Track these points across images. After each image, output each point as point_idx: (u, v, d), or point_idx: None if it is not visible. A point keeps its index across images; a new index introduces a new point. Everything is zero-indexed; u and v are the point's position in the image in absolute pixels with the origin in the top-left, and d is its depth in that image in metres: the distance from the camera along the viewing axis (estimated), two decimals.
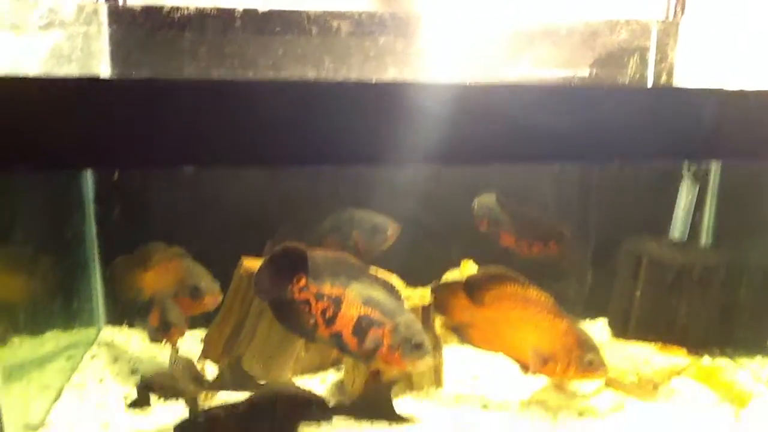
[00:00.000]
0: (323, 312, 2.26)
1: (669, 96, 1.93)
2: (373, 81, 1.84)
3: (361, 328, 2.22)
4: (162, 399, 2.38)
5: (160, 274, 2.87)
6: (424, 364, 2.23)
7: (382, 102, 1.86)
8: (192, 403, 2.33)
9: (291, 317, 2.29)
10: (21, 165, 1.83)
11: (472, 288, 2.48)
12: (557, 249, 3.04)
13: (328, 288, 2.27)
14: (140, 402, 2.38)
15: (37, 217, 2.78)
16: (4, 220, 2.44)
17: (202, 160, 1.93)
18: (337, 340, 2.26)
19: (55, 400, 2.61)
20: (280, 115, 1.84)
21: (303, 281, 2.29)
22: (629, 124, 1.96)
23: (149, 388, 2.38)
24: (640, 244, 3.08)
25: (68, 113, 1.82)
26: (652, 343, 2.73)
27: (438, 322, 2.72)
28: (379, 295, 2.28)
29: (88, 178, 3.11)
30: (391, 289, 2.32)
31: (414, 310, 2.55)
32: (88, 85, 1.72)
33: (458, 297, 2.51)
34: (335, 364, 2.87)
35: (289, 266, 2.30)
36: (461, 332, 2.54)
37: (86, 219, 3.14)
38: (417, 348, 2.19)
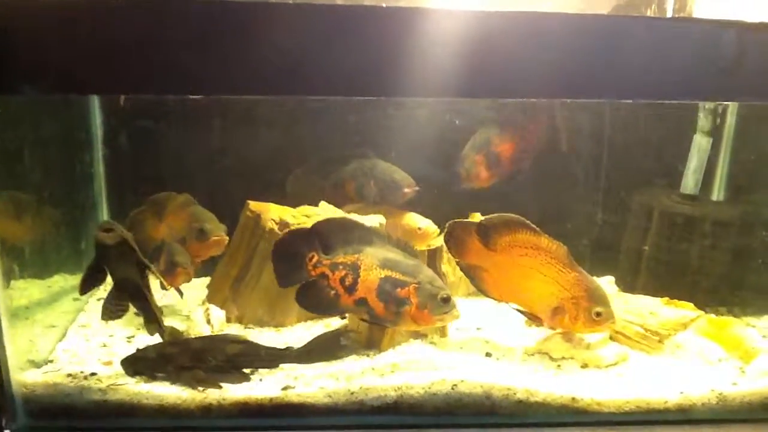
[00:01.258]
0: (342, 280, 2.26)
1: (687, 27, 1.88)
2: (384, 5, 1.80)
3: (385, 290, 2.23)
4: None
5: (170, 223, 2.89)
6: (453, 317, 2.24)
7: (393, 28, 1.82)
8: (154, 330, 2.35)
9: (312, 296, 2.30)
10: (27, 87, 1.82)
11: (485, 232, 2.46)
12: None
13: (341, 257, 2.28)
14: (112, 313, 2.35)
15: (45, 158, 2.76)
16: (12, 159, 2.43)
17: (210, 88, 1.92)
18: (363, 306, 2.26)
19: (61, 339, 2.62)
20: (293, 39, 1.80)
21: (315, 257, 2.29)
22: (644, 58, 1.92)
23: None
24: (652, 197, 3.03)
25: (76, 35, 1.80)
26: (660, 297, 2.69)
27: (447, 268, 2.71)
28: (395, 255, 2.28)
29: (97, 118, 3.08)
30: (405, 246, 2.31)
31: (420, 254, 2.53)
32: (96, 5, 1.69)
33: (471, 238, 2.49)
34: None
35: (297, 248, 2.30)
36: (472, 274, 2.53)
37: (94, 160, 3.12)
38: (445, 302, 2.21)
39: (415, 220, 2.86)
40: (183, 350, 2.29)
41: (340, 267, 2.27)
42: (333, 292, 2.28)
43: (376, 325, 2.36)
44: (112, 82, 1.90)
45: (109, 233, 2.18)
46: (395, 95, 1.99)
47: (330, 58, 1.87)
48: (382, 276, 2.23)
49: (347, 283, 2.26)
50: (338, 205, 2.87)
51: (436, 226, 2.79)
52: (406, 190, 2.87)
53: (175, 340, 2.39)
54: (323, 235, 2.31)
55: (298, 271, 2.31)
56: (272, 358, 2.32)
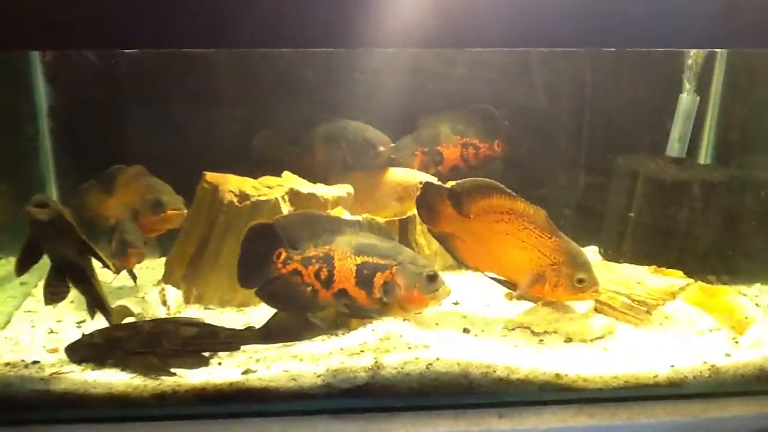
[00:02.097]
0: (317, 275, 2.13)
1: None
2: None
3: (364, 276, 2.10)
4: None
5: (121, 197, 2.71)
6: (445, 293, 2.12)
7: None
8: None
9: (286, 295, 2.16)
10: None
11: (457, 197, 2.33)
12: (502, 147, 3.01)
13: (312, 251, 2.14)
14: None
15: None
16: None
17: (158, 41, 1.77)
18: (343, 297, 2.14)
19: (4, 326, 2.45)
20: None
21: (283, 254, 2.15)
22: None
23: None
24: (635, 161, 2.91)
25: None
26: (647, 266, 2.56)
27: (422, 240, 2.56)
28: (368, 239, 2.15)
29: (42, 89, 2.87)
30: (378, 229, 2.19)
31: (391, 224, 2.40)
32: None
33: (443, 204, 2.36)
34: None
35: (262, 246, 2.16)
36: (445, 242, 2.42)
37: (40, 134, 2.92)
38: (433, 280, 2.09)
39: (413, 175, 2.75)
40: (133, 335, 2.12)
41: (313, 260, 2.14)
42: (309, 288, 2.15)
43: (361, 317, 2.24)
44: (37, 36, 1.73)
45: (42, 209, 1.98)
46: (365, 46, 1.84)
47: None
48: (359, 262, 2.12)
49: (323, 277, 2.14)
50: (305, 173, 2.71)
51: (435, 179, 2.68)
52: (382, 149, 2.72)
53: (124, 325, 2.20)
54: (288, 230, 2.18)
55: (263, 270, 2.17)
56: (232, 340, 2.16)
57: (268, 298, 2.19)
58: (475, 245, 2.36)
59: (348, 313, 2.21)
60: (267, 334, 2.18)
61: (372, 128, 2.79)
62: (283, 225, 2.19)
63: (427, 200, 2.40)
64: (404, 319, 2.42)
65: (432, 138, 2.99)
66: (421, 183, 2.58)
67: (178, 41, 1.80)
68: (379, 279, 2.11)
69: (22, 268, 2.11)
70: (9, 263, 2.83)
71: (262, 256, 2.17)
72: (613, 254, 2.95)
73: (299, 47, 1.87)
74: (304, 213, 2.30)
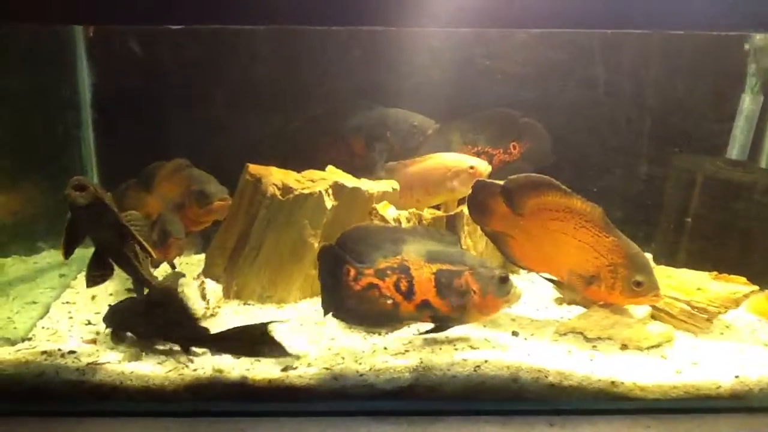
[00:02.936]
0: (397, 286, 2.05)
1: None
2: None
3: (443, 285, 2.03)
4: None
5: (161, 192, 2.68)
6: (517, 296, 2.04)
7: None
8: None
9: (366, 311, 2.10)
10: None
11: (510, 194, 2.25)
12: (520, 149, 2.88)
13: (383, 262, 2.06)
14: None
15: (28, 124, 2.58)
16: None
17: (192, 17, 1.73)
18: (427, 308, 2.06)
19: (42, 316, 2.41)
20: None
21: (352, 272, 2.08)
22: None
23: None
24: (693, 163, 2.78)
25: None
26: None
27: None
28: (435, 244, 2.08)
29: (85, 79, 2.85)
30: (438, 236, 2.12)
31: (438, 220, 2.30)
32: None
33: (496, 202, 2.29)
34: None
35: (330, 268, 2.10)
36: (498, 241, 2.34)
37: (82, 124, 2.89)
38: (504, 282, 2.01)
39: (462, 159, 2.66)
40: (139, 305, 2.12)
41: (388, 272, 2.06)
42: (390, 301, 2.07)
43: (441, 329, 2.13)
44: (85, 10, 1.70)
45: (81, 192, 1.93)
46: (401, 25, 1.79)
47: None
48: (435, 271, 2.03)
49: (403, 288, 2.05)
50: (343, 164, 2.65)
51: (486, 162, 2.61)
52: (430, 132, 2.65)
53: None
54: (349, 245, 2.11)
55: (338, 291, 2.11)
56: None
57: (347, 317, 2.14)
58: (528, 244, 2.28)
59: (434, 329, 2.11)
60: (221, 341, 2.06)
61: (412, 113, 2.74)
62: (344, 241, 2.12)
63: (479, 198, 2.33)
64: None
65: (441, 148, 2.89)
66: (472, 167, 2.50)
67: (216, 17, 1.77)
68: (456, 285, 2.03)
69: (68, 250, 2.06)
70: (49, 254, 2.82)
71: (332, 278, 2.11)
72: (665, 259, 2.81)
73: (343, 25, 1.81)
74: (360, 226, 2.22)
